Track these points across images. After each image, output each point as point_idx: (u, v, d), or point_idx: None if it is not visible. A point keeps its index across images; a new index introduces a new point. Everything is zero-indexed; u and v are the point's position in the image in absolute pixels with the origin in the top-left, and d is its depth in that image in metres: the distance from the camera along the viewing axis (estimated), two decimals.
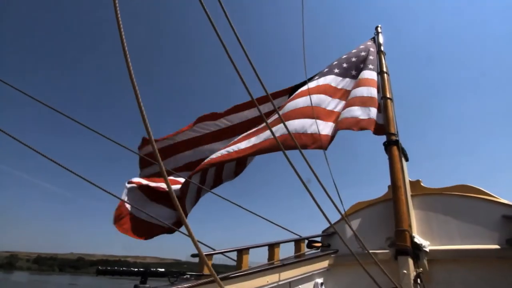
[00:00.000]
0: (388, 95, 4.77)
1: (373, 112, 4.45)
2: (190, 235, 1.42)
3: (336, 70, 5.51)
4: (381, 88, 4.93)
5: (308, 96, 4.76)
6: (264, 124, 4.79)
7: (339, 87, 5.26)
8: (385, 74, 5.08)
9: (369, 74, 5.10)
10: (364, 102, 4.60)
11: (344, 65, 5.59)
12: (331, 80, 5.34)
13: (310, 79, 5.49)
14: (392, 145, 4.20)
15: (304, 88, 5.16)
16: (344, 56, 5.80)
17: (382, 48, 5.55)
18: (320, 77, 5.43)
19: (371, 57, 5.48)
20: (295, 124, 4.57)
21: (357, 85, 4.99)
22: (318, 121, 4.56)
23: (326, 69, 5.64)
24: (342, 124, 4.39)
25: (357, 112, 4.46)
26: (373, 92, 4.74)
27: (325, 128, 4.54)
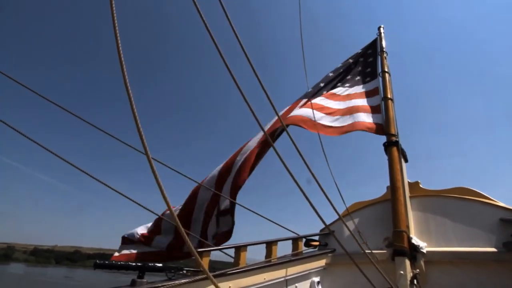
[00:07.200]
0: (389, 96, 4.77)
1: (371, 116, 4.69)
2: (179, 228, 1.41)
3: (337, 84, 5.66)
4: (382, 88, 4.93)
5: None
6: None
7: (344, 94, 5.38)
8: (387, 74, 5.07)
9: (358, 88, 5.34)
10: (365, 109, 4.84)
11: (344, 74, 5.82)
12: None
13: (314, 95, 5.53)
14: (392, 146, 4.20)
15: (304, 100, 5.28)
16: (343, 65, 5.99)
17: (384, 48, 5.53)
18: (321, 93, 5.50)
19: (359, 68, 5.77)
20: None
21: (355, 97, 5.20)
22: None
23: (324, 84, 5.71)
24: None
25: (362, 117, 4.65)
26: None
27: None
